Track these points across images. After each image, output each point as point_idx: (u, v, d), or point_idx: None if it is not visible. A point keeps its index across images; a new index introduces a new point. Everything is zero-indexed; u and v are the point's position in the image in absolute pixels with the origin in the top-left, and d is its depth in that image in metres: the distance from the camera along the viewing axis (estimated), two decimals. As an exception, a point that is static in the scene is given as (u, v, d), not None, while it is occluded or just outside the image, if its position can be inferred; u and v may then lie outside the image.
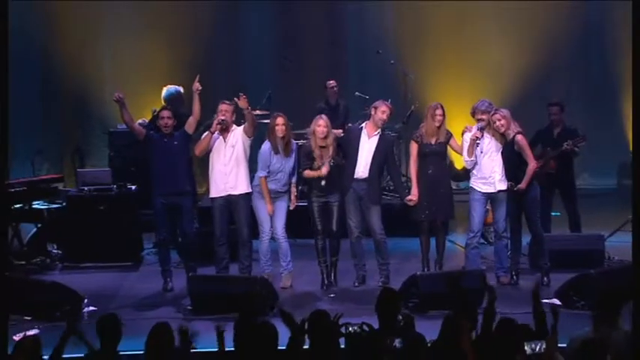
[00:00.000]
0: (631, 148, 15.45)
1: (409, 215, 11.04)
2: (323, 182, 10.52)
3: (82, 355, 7.03)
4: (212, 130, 10.43)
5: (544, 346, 6.42)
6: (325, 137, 10.47)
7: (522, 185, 10.41)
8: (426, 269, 10.69)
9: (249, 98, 13.25)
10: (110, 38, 15.78)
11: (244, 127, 10.47)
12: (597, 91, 16.05)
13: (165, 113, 10.68)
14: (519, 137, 10.45)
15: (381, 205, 10.73)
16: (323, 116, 10.74)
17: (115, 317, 7.05)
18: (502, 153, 10.52)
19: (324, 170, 10.42)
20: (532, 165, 10.45)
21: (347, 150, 10.62)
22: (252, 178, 10.76)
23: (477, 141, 10.44)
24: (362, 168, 10.56)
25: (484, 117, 10.50)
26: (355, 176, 10.55)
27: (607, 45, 16.26)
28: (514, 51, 15.75)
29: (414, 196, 10.56)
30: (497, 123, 10.44)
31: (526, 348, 6.42)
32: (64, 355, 6.95)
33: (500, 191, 10.56)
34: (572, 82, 15.91)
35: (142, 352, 7.07)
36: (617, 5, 16.01)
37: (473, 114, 10.68)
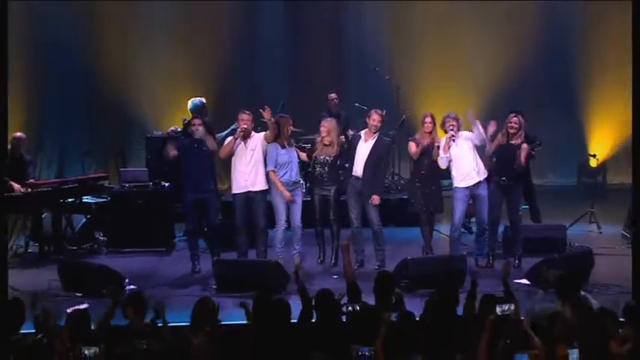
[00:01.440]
0: (590, 151, 15.51)
1: (409, 208, 11.08)
2: (317, 167, 10.63)
3: (123, 325, 7.04)
4: (235, 136, 10.39)
5: (512, 307, 6.37)
6: (328, 130, 10.58)
7: (523, 161, 10.50)
8: (427, 252, 10.72)
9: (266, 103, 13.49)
10: (146, 55, 15.62)
11: (265, 135, 10.44)
12: (562, 101, 15.87)
13: (196, 121, 10.77)
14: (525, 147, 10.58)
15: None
16: (327, 119, 10.89)
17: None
18: (494, 153, 10.58)
19: (303, 156, 10.66)
20: (525, 151, 10.56)
21: (351, 154, 10.62)
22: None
23: (453, 139, 10.41)
24: (359, 168, 10.53)
25: (454, 123, 10.49)
26: (354, 174, 10.56)
27: (570, 55, 16.12)
28: (490, 64, 15.56)
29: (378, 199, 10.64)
30: (512, 126, 10.60)
31: (497, 309, 6.33)
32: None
33: (480, 184, 10.55)
34: (542, 92, 15.76)
35: (174, 324, 7.12)
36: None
37: (443, 124, 10.63)
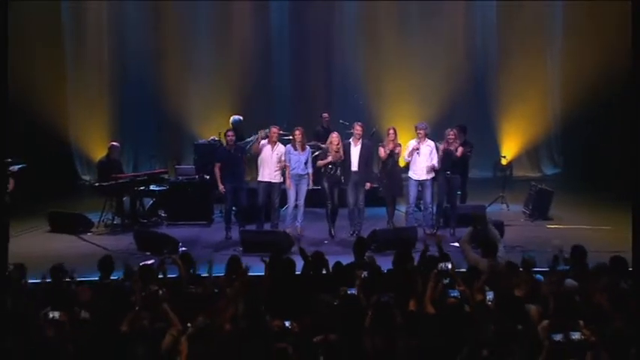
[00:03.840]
0: (502, 153, 15.47)
1: (378, 193, 11.07)
2: (330, 167, 10.50)
3: (175, 275, 7.08)
4: (265, 140, 10.52)
5: (449, 265, 6.35)
6: (338, 144, 10.45)
7: (459, 154, 10.55)
8: (390, 225, 10.66)
9: (277, 115, 13.68)
10: (193, 82, 15.50)
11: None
12: (483, 116, 15.64)
13: (230, 133, 10.81)
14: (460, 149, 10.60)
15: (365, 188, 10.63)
16: (335, 133, 10.78)
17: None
18: (440, 155, 10.52)
19: (328, 160, 10.46)
20: (459, 153, 10.59)
21: (346, 156, 10.54)
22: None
23: (417, 151, 10.46)
24: (355, 165, 10.49)
25: (421, 132, 10.51)
26: (353, 170, 10.49)
27: (490, 81, 15.87)
28: (442, 80, 15.31)
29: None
30: (451, 137, 10.57)
31: (439, 266, 6.32)
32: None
33: (426, 181, 10.53)
34: (470, 106, 15.43)
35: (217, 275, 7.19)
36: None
37: (415, 129, 10.67)
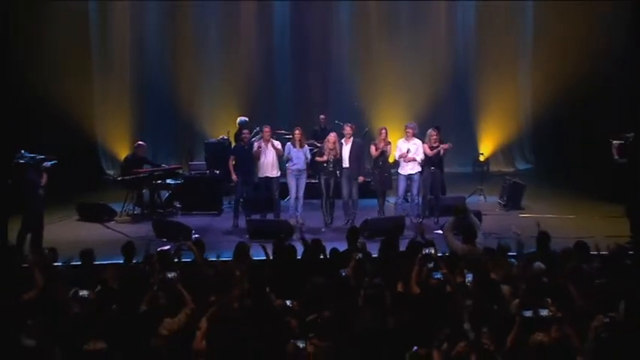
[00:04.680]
0: (480, 151, 15.39)
1: (370, 187, 11.02)
2: (325, 164, 10.43)
3: (190, 259, 7.07)
4: (260, 142, 10.43)
5: (433, 251, 6.32)
6: (334, 143, 10.40)
7: (442, 152, 10.52)
8: (381, 214, 10.60)
9: (279, 116, 13.68)
10: (205, 85, 15.39)
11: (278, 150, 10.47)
12: (464, 116, 15.54)
13: (246, 132, 10.81)
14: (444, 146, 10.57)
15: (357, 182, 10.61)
16: (333, 133, 10.71)
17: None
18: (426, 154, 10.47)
19: (324, 158, 10.41)
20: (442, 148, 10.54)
21: (341, 153, 10.50)
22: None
23: (405, 157, 10.43)
24: (346, 161, 10.46)
25: (410, 131, 10.52)
26: (344, 166, 10.47)
27: (471, 80, 15.69)
28: (427, 81, 15.18)
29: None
30: (434, 136, 10.52)
31: (424, 251, 6.30)
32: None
33: (413, 175, 10.49)
34: (452, 107, 15.32)
35: (226, 259, 7.18)
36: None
37: (405, 127, 10.65)
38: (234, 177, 10.55)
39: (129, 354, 4.87)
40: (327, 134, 10.84)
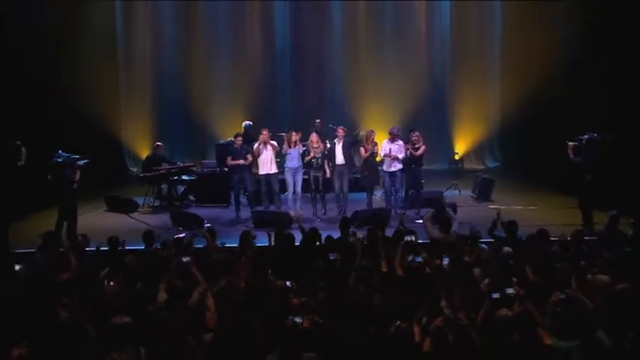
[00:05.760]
0: (455, 150, 15.43)
1: (360, 182, 11.02)
2: (313, 160, 10.39)
3: (202, 245, 7.05)
4: (259, 143, 10.34)
5: (414, 238, 6.32)
6: (317, 142, 10.41)
7: (422, 151, 10.45)
8: (369, 206, 10.52)
9: (280, 120, 13.61)
10: (215, 94, 15.30)
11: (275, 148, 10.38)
12: (441, 115, 15.50)
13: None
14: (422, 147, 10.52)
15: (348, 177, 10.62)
16: (314, 133, 10.71)
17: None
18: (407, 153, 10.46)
19: (311, 155, 10.38)
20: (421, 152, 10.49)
21: (332, 153, 10.50)
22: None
23: (389, 155, 10.44)
24: (340, 159, 10.45)
25: (393, 134, 10.54)
26: (337, 163, 10.45)
27: (446, 90, 15.55)
28: (409, 86, 15.05)
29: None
30: (415, 138, 10.50)
31: (406, 238, 6.28)
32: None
33: (396, 171, 10.50)
34: (431, 110, 15.14)
35: (233, 245, 7.16)
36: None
37: (389, 133, 10.66)
38: (236, 162, 10.41)
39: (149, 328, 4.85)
40: (324, 136, 10.84)
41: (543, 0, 12.98)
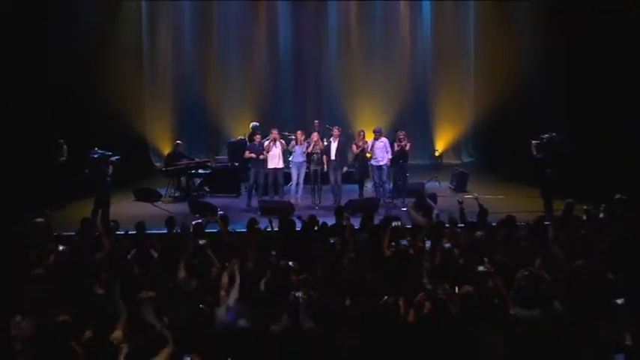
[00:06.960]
0: (435, 147, 15.41)
1: (352, 175, 11.01)
2: (313, 155, 10.38)
3: (215, 230, 7.04)
4: (270, 141, 10.32)
5: (399, 223, 6.32)
6: (317, 139, 10.41)
7: (408, 148, 10.39)
8: (360, 196, 10.52)
9: (284, 121, 13.23)
10: (227, 97, 15.17)
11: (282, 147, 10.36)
12: (423, 115, 15.34)
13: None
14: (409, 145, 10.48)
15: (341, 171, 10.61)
16: (315, 132, 10.72)
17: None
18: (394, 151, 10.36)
19: (309, 150, 10.35)
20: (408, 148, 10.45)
21: (329, 151, 10.47)
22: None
23: (374, 148, 10.37)
24: (333, 155, 10.42)
25: (377, 133, 10.45)
26: (331, 159, 10.41)
27: (427, 90, 15.32)
28: (396, 94, 14.92)
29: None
30: (401, 137, 10.43)
31: (393, 223, 6.29)
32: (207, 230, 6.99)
33: (382, 165, 10.44)
34: (414, 110, 14.98)
35: (241, 230, 7.17)
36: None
37: (373, 132, 10.59)
38: (253, 156, 10.36)
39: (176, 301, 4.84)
40: (322, 135, 10.84)
41: (512, 0, 12.74)
